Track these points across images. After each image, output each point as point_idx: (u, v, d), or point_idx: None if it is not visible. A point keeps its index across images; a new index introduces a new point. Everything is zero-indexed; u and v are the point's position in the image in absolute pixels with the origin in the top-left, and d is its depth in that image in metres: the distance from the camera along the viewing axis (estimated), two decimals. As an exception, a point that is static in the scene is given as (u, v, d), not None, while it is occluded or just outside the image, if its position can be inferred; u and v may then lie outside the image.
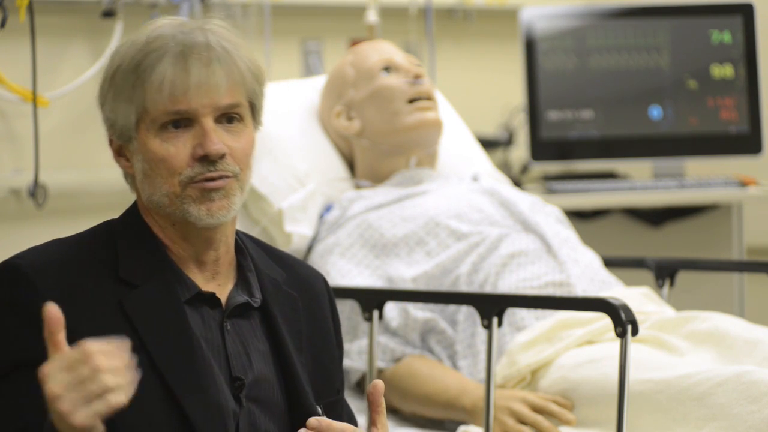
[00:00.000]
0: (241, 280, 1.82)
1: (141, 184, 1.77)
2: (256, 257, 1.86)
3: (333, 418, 1.80)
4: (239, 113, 1.77)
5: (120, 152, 1.79)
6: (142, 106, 1.73)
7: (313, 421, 1.73)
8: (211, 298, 1.77)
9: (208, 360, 1.73)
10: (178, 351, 1.71)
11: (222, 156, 1.73)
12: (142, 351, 1.67)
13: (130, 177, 1.81)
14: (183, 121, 1.73)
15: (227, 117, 1.76)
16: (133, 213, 1.80)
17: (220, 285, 1.80)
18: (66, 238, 1.79)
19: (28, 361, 1.63)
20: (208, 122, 1.73)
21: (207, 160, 1.73)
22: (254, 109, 1.80)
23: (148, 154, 1.74)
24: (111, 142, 1.80)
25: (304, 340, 1.85)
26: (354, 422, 1.93)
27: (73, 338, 1.59)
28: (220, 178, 1.74)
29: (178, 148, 1.73)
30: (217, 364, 1.75)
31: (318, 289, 1.93)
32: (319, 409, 1.81)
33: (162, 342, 1.70)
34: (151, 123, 1.73)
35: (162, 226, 1.77)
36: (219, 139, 1.74)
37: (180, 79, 1.72)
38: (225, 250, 1.80)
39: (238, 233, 1.85)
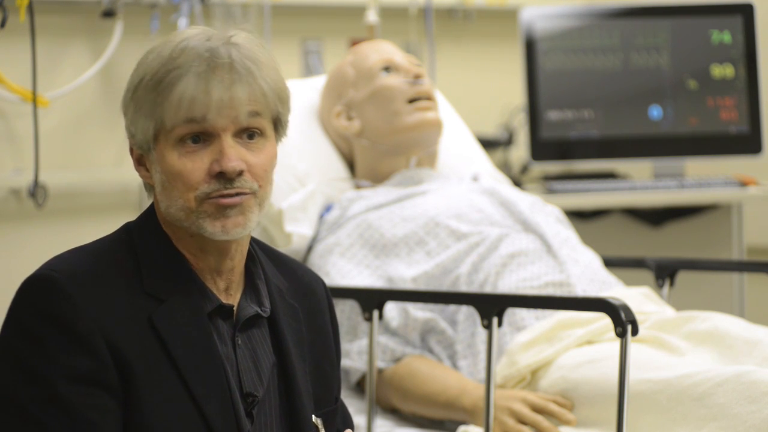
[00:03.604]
0: (250, 289, 1.82)
1: (159, 195, 1.75)
2: (264, 264, 1.85)
3: (329, 427, 1.81)
4: (260, 129, 1.75)
5: (140, 161, 1.78)
6: (161, 122, 1.72)
7: None
8: (226, 310, 1.77)
9: (229, 376, 1.74)
10: (206, 369, 1.71)
11: (240, 173, 1.72)
12: (171, 368, 1.69)
13: (149, 187, 1.79)
14: (202, 135, 1.72)
15: (248, 133, 1.74)
16: (151, 221, 1.79)
17: (232, 295, 1.79)
18: (88, 246, 1.77)
19: (76, 377, 1.65)
20: (227, 138, 1.72)
21: (224, 177, 1.71)
22: (278, 125, 1.79)
23: (165, 167, 1.73)
24: (132, 151, 1.79)
25: (306, 348, 1.85)
26: (350, 423, 1.94)
27: (112, 354, 1.65)
28: (237, 195, 1.72)
29: (195, 164, 1.72)
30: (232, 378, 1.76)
31: (319, 295, 1.93)
32: (319, 422, 1.81)
33: (191, 360, 1.70)
34: (169, 135, 1.72)
35: (180, 236, 1.76)
36: (237, 156, 1.72)
37: (200, 99, 1.70)
38: (240, 259, 1.80)
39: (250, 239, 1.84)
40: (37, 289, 1.69)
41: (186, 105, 1.70)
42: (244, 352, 1.77)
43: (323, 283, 1.96)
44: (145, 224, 1.79)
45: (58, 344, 1.65)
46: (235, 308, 1.78)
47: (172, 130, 1.71)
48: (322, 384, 1.87)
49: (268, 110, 1.75)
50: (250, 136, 1.74)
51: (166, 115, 1.71)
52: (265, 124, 1.76)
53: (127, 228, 1.79)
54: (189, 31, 1.76)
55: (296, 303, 1.86)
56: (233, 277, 1.79)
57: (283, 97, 1.77)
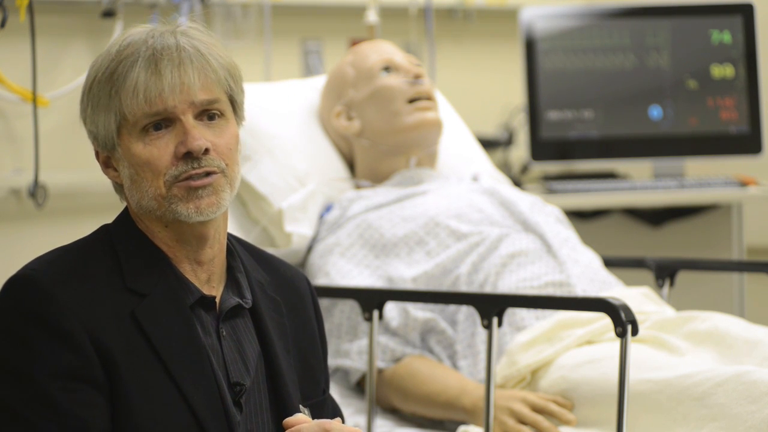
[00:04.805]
0: (231, 282, 1.83)
1: (129, 191, 1.78)
2: (243, 258, 1.87)
3: (317, 418, 1.82)
4: (219, 109, 1.77)
5: (107, 163, 1.80)
6: (120, 114, 1.74)
7: (289, 420, 1.77)
8: (208, 301, 1.78)
9: (215, 366, 1.75)
10: (191, 361, 1.73)
11: (205, 152, 1.74)
12: (157, 361, 1.70)
13: (119, 187, 1.81)
14: (164, 122, 1.74)
15: (208, 114, 1.76)
16: (127, 221, 1.81)
17: (214, 287, 1.81)
18: (67, 247, 1.78)
19: (63, 375, 1.65)
20: (188, 120, 1.74)
21: (191, 157, 1.74)
22: (235, 105, 1.81)
23: (132, 159, 1.75)
24: (97, 155, 1.81)
25: (290, 341, 1.86)
26: (340, 418, 1.94)
27: (97, 350, 1.65)
28: (206, 174, 1.74)
29: (161, 150, 1.74)
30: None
31: (302, 290, 1.95)
32: (306, 411, 1.82)
33: (175, 352, 1.72)
34: (132, 128, 1.74)
35: (155, 231, 1.78)
36: (201, 135, 1.74)
37: (153, 82, 1.73)
38: (219, 249, 1.81)
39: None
40: (19, 290, 1.70)
41: (141, 90, 1.72)
42: (229, 343, 1.79)
43: (306, 280, 1.97)
44: (121, 224, 1.81)
45: (43, 343, 1.66)
46: (217, 300, 1.79)
47: (135, 124, 1.74)
48: (308, 377, 1.88)
49: (220, 86, 1.77)
50: (211, 118, 1.77)
51: (125, 104, 1.73)
52: (224, 106, 1.78)
53: (105, 229, 1.81)
54: (133, 30, 1.80)
55: (278, 296, 1.88)
56: (214, 267, 1.80)
57: (234, 74, 1.80)
